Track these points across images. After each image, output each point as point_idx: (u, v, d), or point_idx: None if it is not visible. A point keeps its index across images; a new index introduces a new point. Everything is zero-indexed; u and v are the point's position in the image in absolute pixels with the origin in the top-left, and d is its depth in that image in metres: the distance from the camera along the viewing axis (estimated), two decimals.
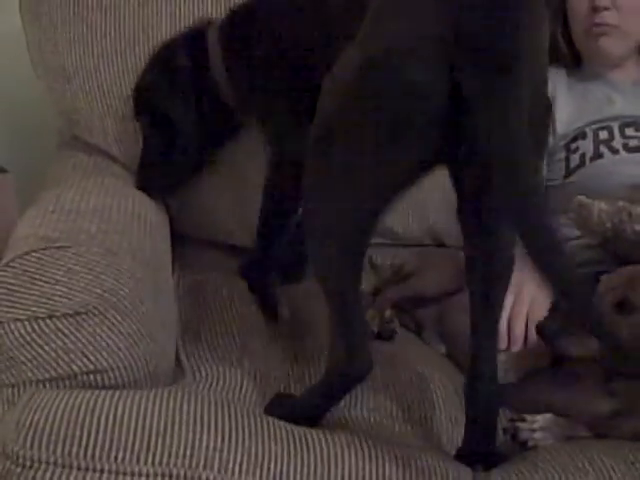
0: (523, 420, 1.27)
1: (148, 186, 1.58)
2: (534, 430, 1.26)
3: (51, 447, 1.06)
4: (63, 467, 1.06)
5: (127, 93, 1.63)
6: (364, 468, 1.11)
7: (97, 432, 1.08)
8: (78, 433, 1.07)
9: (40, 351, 1.19)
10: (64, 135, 1.71)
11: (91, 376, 1.20)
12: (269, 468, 1.09)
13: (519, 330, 1.41)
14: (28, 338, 1.19)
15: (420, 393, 1.33)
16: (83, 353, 1.19)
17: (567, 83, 1.75)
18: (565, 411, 1.28)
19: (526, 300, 1.43)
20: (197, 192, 1.69)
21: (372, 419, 1.25)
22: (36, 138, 1.77)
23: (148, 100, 1.54)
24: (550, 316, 1.34)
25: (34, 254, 1.25)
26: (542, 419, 1.27)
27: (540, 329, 1.30)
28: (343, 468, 1.11)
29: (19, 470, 1.05)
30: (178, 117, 1.51)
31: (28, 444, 1.06)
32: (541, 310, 1.41)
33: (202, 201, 1.72)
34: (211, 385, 1.32)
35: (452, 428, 1.32)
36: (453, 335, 1.48)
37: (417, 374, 1.39)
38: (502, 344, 1.41)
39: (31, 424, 1.08)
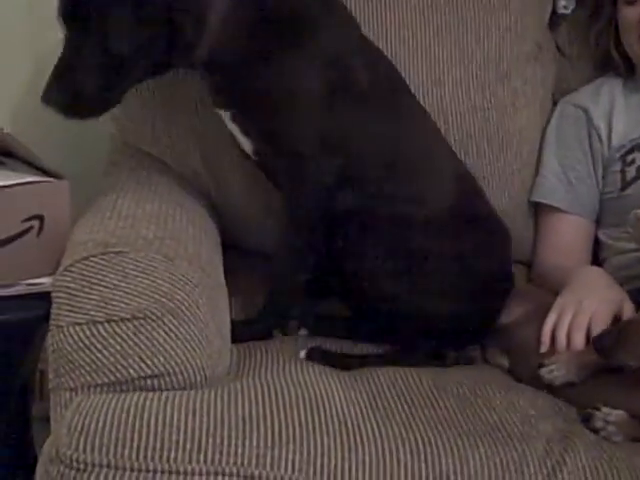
0: (599, 409, 1.28)
1: (59, 99, 1.35)
2: (608, 422, 1.26)
3: (103, 450, 1.07)
4: (116, 469, 1.07)
5: (177, 99, 1.63)
6: (420, 467, 1.11)
7: (148, 433, 1.09)
8: (129, 435, 1.09)
9: (99, 355, 1.20)
10: (116, 141, 1.72)
11: (148, 381, 1.21)
12: (322, 464, 1.10)
13: (579, 343, 1.39)
14: (87, 342, 1.20)
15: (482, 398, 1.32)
16: (140, 358, 1.20)
17: (623, 93, 1.74)
18: (630, 412, 1.28)
19: (588, 312, 1.41)
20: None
21: (429, 413, 1.23)
22: (89, 144, 1.79)
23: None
24: (607, 330, 1.33)
25: (93, 259, 1.26)
26: (615, 414, 1.27)
27: (595, 343, 1.30)
28: (399, 465, 1.11)
29: (73, 473, 1.07)
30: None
31: (81, 448, 1.08)
32: (602, 323, 1.39)
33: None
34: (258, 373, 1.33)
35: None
36: (517, 350, 1.47)
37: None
38: (543, 348, 1.41)
39: (82, 428, 1.09)
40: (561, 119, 1.77)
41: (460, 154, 1.71)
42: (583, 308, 1.41)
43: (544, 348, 1.41)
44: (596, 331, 1.36)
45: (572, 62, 1.84)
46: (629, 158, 1.68)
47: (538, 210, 1.77)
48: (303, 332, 1.51)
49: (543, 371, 1.36)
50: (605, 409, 1.28)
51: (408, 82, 1.65)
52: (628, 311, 1.41)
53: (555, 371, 1.35)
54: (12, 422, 1.56)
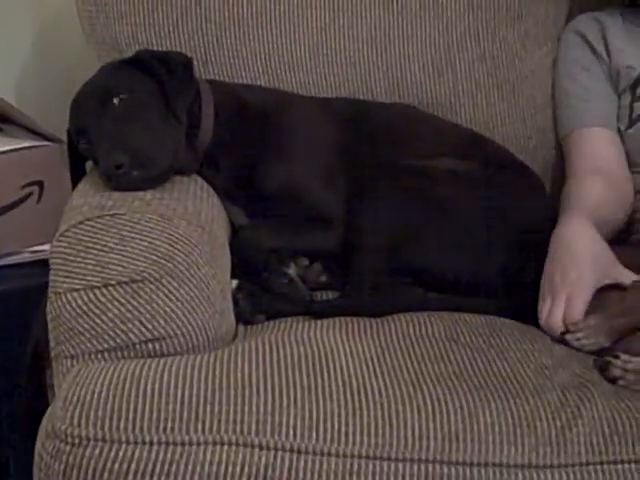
0: (617, 357, 1.22)
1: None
2: (627, 370, 1.20)
3: (99, 423, 1.05)
4: (112, 442, 1.04)
5: None
6: (428, 427, 1.07)
7: (144, 404, 1.06)
8: (125, 406, 1.06)
9: (98, 320, 1.18)
10: None
11: (149, 344, 1.18)
12: (325, 429, 1.06)
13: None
14: (85, 308, 1.18)
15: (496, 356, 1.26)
16: (140, 321, 1.18)
17: (623, 26, 1.66)
18: None
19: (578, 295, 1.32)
20: None
21: (438, 368, 1.18)
22: None
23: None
24: None
25: (88, 222, 1.23)
26: (635, 362, 1.21)
27: None
28: (405, 427, 1.07)
29: (69, 448, 1.04)
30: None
31: (76, 421, 1.05)
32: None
33: None
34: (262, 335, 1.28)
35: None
36: None
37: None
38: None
39: (78, 400, 1.07)
40: (564, 47, 1.71)
41: (470, 106, 1.67)
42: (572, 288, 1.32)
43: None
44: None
45: None
46: (639, 91, 1.61)
47: (564, 143, 1.68)
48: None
49: (569, 337, 1.29)
50: (624, 356, 1.22)
51: (415, 33, 1.64)
52: (624, 276, 1.34)
53: (583, 339, 1.28)
54: (27, 390, 1.56)
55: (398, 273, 1.44)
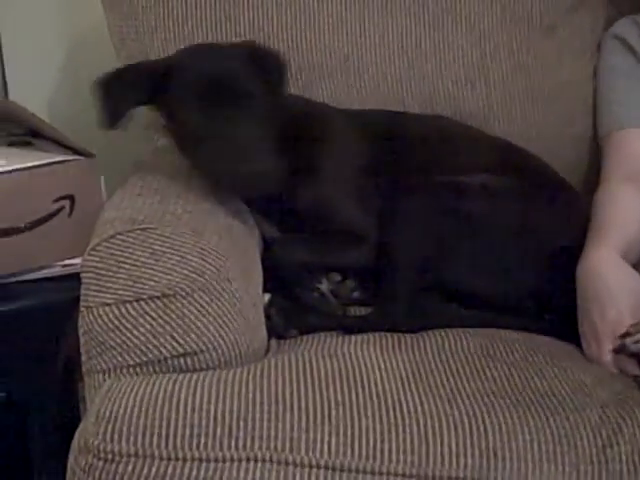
0: (629, 334, 1.20)
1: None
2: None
3: (132, 439, 1.04)
4: (145, 458, 1.03)
5: None
6: (465, 444, 1.05)
7: (177, 420, 1.05)
8: (157, 422, 1.05)
9: (129, 335, 1.17)
10: (149, 117, 1.68)
11: (181, 359, 1.17)
12: (361, 446, 1.04)
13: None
14: (117, 322, 1.17)
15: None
16: (172, 336, 1.16)
17: None
18: None
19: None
20: None
21: (475, 384, 1.16)
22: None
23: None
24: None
25: (119, 237, 1.22)
26: None
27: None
28: (442, 444, 1.05)
29: (101, 464, 1.04)
30: None
31: (108, 437, 1.04)
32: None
33: None
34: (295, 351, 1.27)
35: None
36: None
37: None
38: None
39: (110, 416, 1.06)
40: (604, 53, 1.68)
41: (504, 119, 1.66)
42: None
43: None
44: None
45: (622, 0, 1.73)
46: None
47: (602, 146, 1.63)
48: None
49: (628, 341, 1.24)
50: (632, 329, 1.20)
51: (447, 45, 1.64)
52: None
53: None
54: (60, 404, 1.55)
55: (431, 289, 1.42)
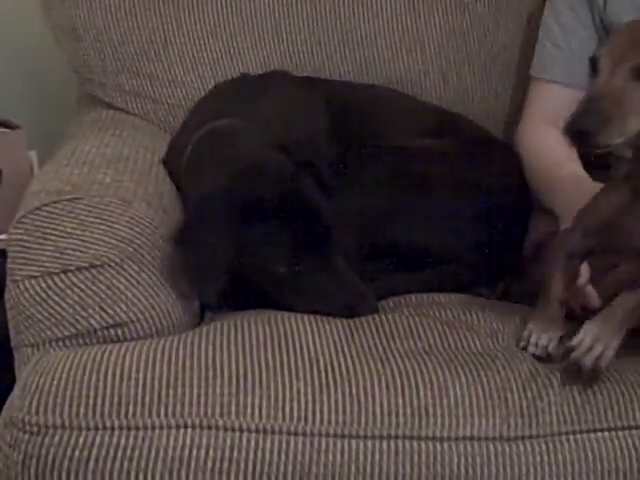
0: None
1: None
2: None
3: (58, 410, 1.02)
4: (72, 429, 1.01)
5: (140, 48, 1.58)
6: (397, 402, 1.04)
7: (104, 389, 1.04)
8: (85, 392, 1.03)
9: (57, 308, 1.15)
10: (81, 90, 1.66)
11: (111, 330, 1.15)
12: (292, 408, 1.03)
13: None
14: (44, 295, 1.15)
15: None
16: (101, 307, 1.15)
17: None
18: None
19: None
20: None
21: (407, 344, 1.15)
22: (55, 93, 1.72)
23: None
24: None
25: (45, 208, 1.20)
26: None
27: None
28: (374, 403, 1.04)
29: (27, 437, 1.02)
30: None
31: (34, 409, 1.02)
32: None
33: None
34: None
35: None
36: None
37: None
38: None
39: (36, 388, 1.04)
40: None
41: (440, 84, 1.65)
42: None
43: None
44: None
45: None
46: None
47: (532, 83, 1.61)
48: None
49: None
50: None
51: (380, 10, 1.62)
52: None
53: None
54: None
55: (376, 250, 1.42)
